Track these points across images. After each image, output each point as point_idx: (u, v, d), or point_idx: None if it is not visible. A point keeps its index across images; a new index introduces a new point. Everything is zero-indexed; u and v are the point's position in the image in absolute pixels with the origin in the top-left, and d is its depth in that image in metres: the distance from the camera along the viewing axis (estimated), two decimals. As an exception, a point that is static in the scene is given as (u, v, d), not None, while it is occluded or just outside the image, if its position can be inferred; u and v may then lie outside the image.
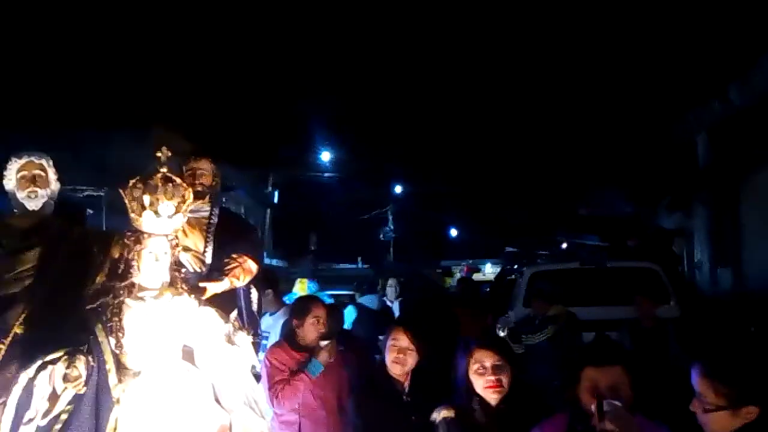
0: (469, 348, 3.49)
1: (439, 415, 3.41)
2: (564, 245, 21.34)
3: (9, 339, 3.68)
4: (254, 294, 4.45)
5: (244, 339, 3.48)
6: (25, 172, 3.94)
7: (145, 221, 3.42)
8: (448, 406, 3.42)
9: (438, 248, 34.94)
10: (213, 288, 4.01)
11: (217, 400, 3.55)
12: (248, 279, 4.26)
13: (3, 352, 3.67)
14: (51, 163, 4.03)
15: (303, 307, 4.70)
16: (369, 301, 8.93)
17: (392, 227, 34.76)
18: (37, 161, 3.98)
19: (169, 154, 3.48)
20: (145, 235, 3.43)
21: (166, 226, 3.45)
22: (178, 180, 3.47)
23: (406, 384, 4.05)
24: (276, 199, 26.95)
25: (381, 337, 4.41)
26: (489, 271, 31.68)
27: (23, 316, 3.73)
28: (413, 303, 9.20)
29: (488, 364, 3.41)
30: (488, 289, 14.38)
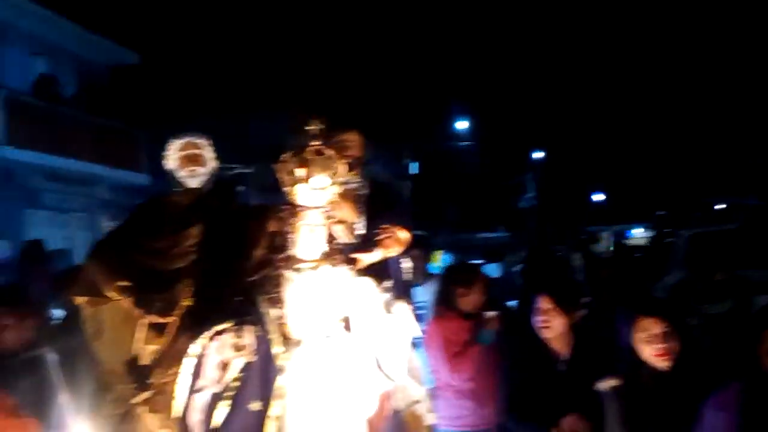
0: (633, 316, 3.36)
1: (607, 384, 3.31)
2: (718, 206, 20.30)
3: (178, 312, 3.85)
4: (406, 264, 4.46)
5: (403, 308, 3.48)
6: (185, 152, 4.11)
7: (299, 194, 3.48)
8: (615, 376, 3.31)
9: (582, 214, 34.08)
10: (366, 259, 4.04)
11: (379, 368, 3.59)
12: (400, 249, 4.26)
13: (174, 324, 3.85)
14: (208, 143, 4.17)
15: (469, 276, 4.75)
16: (492, 270, 9.00)
17: (533, 194, 34.25)
18: (195, 141, 4.14)
19: (320, 126, 3.51)
20: (300, 208, 3.50)
21: (319, 198, 3.50)
22: (330, 152, 3.51)
23: (564, 353, 3.96)
24: (414, 171, 27.09)
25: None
26: (639, 235, 30.61)
27: (190, 289, 3.90)
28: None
29: (656, 331, 3.28)
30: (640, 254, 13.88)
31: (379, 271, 4.08)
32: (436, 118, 26.95)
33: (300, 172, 3.43)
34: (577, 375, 3.83)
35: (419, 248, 5.78)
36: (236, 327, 3.39)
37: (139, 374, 3.89)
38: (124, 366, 3.94)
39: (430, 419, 4.04)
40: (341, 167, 3.50)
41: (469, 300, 4.69)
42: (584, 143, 33.41)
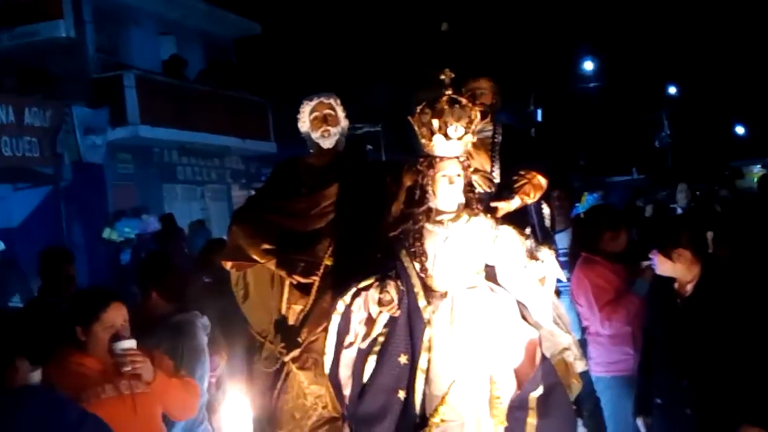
0: None
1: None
2: None
3: (321, 271, 3.90)
4: (546, 210, 4.33)
5: (547, 254, 3.38)
6: (317, 113, 4.12)
7: (436, 145, 3.44)
8: None
9: (724, 149, 32.30)
10: (504, 207, 3.95)
11: (524, 317, 3.52)
12: (539, 195, 4.14)
13: (317, 283, 3.91)
14: (339, 101, 4.17)
15: (616, 218, 4.60)
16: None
17: (668, 132, 32.71)
18: (326, 101, 4.14)
19: (452, 75, 3.45)
20: (437, 159, 3.46)
21: (456, 148, 3.45)
22: (464, 101, 3.44)
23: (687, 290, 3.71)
24: (540, 117, 26.45)
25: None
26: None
27: (331, 248, 3.93)
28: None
29: None
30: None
31: (519, 219, 3.99)
32: (562, 61, 26.12)
33: (436, 122, 3.38)
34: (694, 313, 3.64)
35: (561, 191, 5.60)
36: (380, 282, 3.39)
37: (287, 333, 3.99)
38: (272, 326, 4.04)
39: (579, 367, 3.94)
40: (476, 115, 3.43)
41: (618, 243, 4.51)
42: (721, 73, 31.51)
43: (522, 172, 4.11)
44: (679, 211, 8.94)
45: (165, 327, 4.03)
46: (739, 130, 37.27)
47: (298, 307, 3.98)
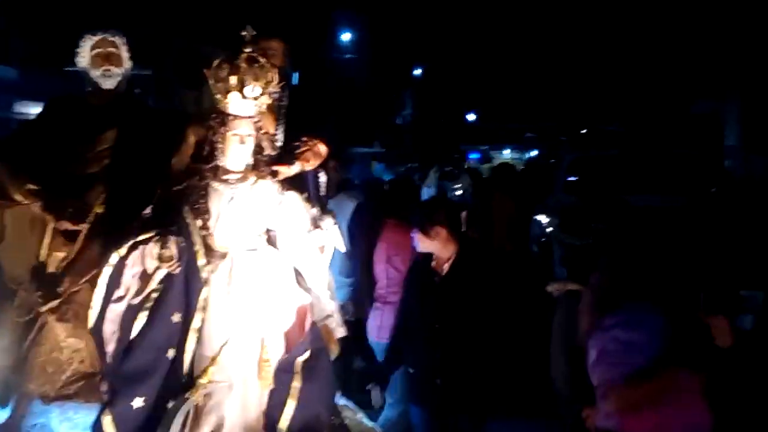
0: None
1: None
2: (583, 131, 21.11)
3: (91, 218, 3.69)
4: (322, 178, 4.40)
5: (330, 223, 3.47)
6: (99, 50, 3.85)
7: (230, 103, 3.37)
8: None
9: (456, 133, 34.63)
10: (284, 171, 3.97)
11: (297, 282, 3.59)
12: (318, 162, 4.21)
13: (85, 231, 3.69)
14: (125, 40, 3.93)
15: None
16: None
17: (410, 111, 34.40)
18: (110, 38, 3.88)
19: (254, 33, 3.39)
20: (231, 117, 3.39)
21: (251, 107, 3.41)
22: (263, 60, 3.39)
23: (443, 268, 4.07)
24: (296, 81, 26.59)
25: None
26: (507, 157, 31.58)
27: (103, 195, 3.73)
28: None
29: None
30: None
31: (296, 184, 4.04)
32: (320, 29, 26.33)
33: (233, 79, 3.31)
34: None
35: (336, 161, 5.72)
36: (160, 237, 3.29)
37: (45, 282, 3.72)
38: (28, 272, 3.76)
39: (340, 333, 4.10)
40: (274, 77, 3.40)
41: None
42: (461, 61, 33.65)
43: (305, 138, 4.15)
44: (431, 191, 9.52)
45: None
46: (470, 117, 40.06)
47: (60, 255, 3.72)
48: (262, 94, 3.39)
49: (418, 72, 35.60)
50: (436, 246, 4.00)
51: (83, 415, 3.56)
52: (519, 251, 7.88)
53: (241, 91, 3.33)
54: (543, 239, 8.34)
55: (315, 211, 3.53)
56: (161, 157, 3.69)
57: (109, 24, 4.24)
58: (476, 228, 4.93)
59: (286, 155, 4.11)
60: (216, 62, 3.35)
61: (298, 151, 4.10)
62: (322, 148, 4.19)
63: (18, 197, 3.65)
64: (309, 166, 4.17)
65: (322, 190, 4.46)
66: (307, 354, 3.48)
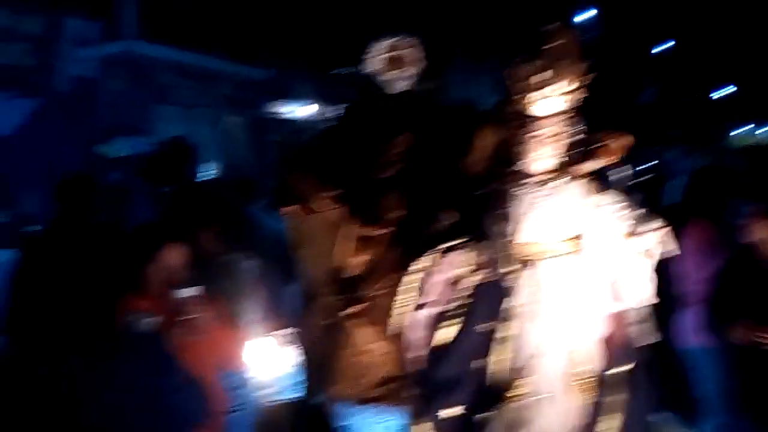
0: None
1: None
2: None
3: (390, 223, 3.68)
4: (626, 172, 4.11)
5: (658, 224, 3.18)
6: (391, 53, 3.83)
7: (532, 102, 3.19)
8: None
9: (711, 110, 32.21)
10: (587, 168, 3.74)
11: (612, 289, 3.34)
12: (620, 156, 3.92)
13: (383, 236, 3.70)
14: (416, 42, 3.88)
15: None
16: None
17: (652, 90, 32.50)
18: (402, 41, 3.85)
19: (557, 27, 3.18)
20: (532, 118, 3.22)
21: (555, 106, 3.21)
22: (567, 58, 3.18)
23: None
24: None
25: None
26: None
27: (400, 200, 3.71)
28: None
29: None
30: None
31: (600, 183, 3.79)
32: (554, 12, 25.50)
33: (536, 78, 3.13)
34: None
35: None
36: (470, 244, 3.19)
37: (346, 286, 3.78)
38: (328, 277, 3.84)
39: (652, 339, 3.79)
40: (582, 72, 3.18)
41: None
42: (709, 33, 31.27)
43: (605, 132, 3.89)
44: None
45: (217, 268, 3.84)
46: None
47: (359, 260, 3.76)
48: (565, 92, 3.17)
49: (658, 49, 33.56)
50: None
51: (389, 418, 3.58)
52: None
53: (543, 89, 3.14)
54: None
55: (640, 212, 3.25)
56: (455, 158, 3.62)
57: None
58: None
59: (588, 151, 3.88)
60: (515, 60, 3.19)
61: (599, 145, 3.86)
62: (624, 140, 3.92)
63: (322, 204, 3.72)
64: (612, 161, 3.92)
65: (625, 185, 4.18)
66: (626, 365, 3.24)
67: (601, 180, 3.81)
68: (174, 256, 3.31)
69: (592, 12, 26.91)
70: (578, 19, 26.96)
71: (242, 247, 4.15)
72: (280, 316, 5.04)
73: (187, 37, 14.07)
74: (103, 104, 12.82)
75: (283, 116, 18.63)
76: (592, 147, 3.83)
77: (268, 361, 4.21)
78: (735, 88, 35.87)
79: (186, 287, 3.23)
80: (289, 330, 4.55)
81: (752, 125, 29.94)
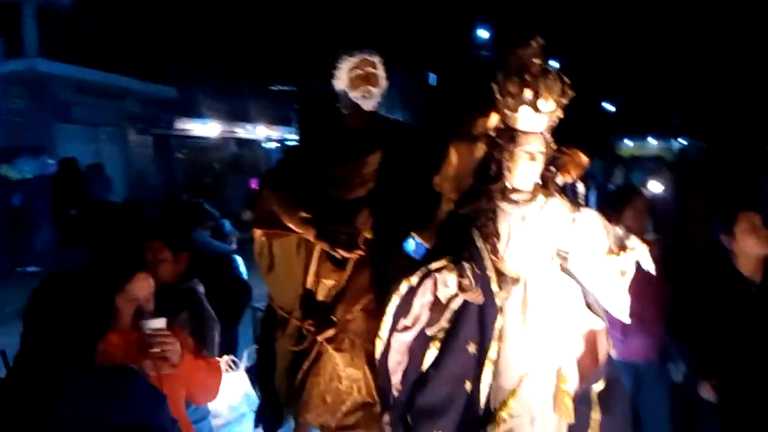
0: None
1: None
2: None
3: (361, 245, 3.57)
4: (581, 189, 4.15)
5: (637, 243, 3.17)
6: (359, 71, 3.73)
7: (521, 118, 3.14)
8: None
9: (598, 124, 33.50)
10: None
11: (588, 306, 3.33)
12: (579, 173, 3.95)
13: (354, 258, 3.58)
14: (382, 60, 3.79)
15: None
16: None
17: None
18: (370, 59, 3.75)
19: (543, 42, 3.15)
20: (520, 134, 3.17)
21: (542, 123, 3.17)
22: (555, 72, 3.15)
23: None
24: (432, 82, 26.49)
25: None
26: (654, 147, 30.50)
27: (371, 221, 3.61)
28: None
29: None
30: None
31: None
32: (456, 27, 26.06)
33: (527, 93, 3.08)
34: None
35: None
36: (455, 264, 3.10)
37: (315, 310, 3.65)
38: (297, 301, 3.69)
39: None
40: (569, 89, 3.16)
41: None
42: (598, 50, 32.59)
43: (564, 149, 3.90)
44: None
45: (171, 297, 3.63)
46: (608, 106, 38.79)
47: (329, 282, 3.63)
48: (556, 108, 3.15)
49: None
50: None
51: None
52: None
53: (534, 105, 3.10)
54: None
55: (620, 230, 3.24)
56: (423, 178, 3.53)
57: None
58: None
59: (558, 167, 3.88)
60: (504, 74, 3.14)
61: (558, 162, 3.87)
62: (584, 158, 3.94)
63: (292, 226, 3.58)
64: (570, 179, 3.93)
65: (582, 203, 4.20)
66: (602, 384, 3.23)
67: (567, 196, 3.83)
68: (143, 286, 3.09)
69: (486, 33, 27.66)
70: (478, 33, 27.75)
71: (191, 273, 3.94)
72: (234, 345, 4.85)
73: (90, 54, 13.56)
74: (4, 123, 12.16)
75: (189, 134, 18.27)
76: (560, 164, 3.86)
77: (228, 391, 4.00)
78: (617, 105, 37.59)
79: (153, 318, 3.01)
80: (244, 359, 4.38)
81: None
